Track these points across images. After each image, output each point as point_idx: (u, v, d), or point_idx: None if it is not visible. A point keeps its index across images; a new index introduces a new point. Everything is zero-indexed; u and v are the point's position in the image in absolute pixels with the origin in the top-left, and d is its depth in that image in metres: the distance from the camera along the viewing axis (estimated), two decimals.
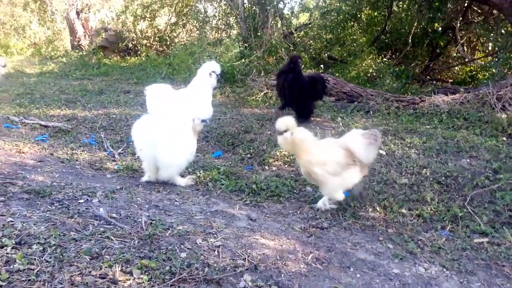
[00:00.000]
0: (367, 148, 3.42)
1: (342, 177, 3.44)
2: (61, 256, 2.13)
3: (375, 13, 11.35)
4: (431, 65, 10.97)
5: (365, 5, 11.01)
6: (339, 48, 11.80)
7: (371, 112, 6.72)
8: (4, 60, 7.81)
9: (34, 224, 2.46)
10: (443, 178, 4.11)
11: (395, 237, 3.19)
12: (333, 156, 3.44)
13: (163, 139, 3.70)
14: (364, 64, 10.23)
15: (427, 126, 5.82)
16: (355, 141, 3.45)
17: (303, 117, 6.04)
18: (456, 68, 11.33)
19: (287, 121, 3.51)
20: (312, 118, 6.33)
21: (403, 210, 3.61)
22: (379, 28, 11.28)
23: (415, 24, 10.23)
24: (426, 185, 4.01)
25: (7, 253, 2.10)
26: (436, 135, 5.28)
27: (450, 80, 10.92)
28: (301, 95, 6.04)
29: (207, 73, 5.22)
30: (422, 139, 5.15)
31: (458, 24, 9.93)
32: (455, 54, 11.49)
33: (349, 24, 11.33)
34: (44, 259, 2.09)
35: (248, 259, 2.56)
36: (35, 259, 2.07)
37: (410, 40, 10.48)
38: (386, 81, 8.99)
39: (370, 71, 10.09)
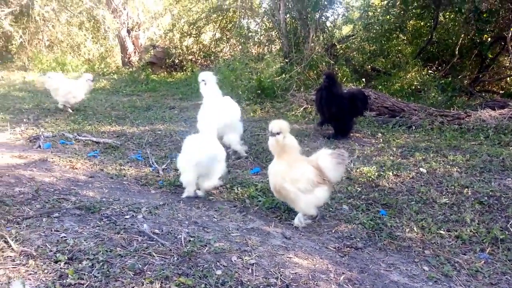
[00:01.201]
0: (336, 168, 3.51)
1: (313, 194, 3.49)
2: (108, 272, 2.33)
3: (421, 23, 11.15)
4: (480, 76, 10.57)
5: (410, 16, 10.84)
6: (383, 60, 11.68)
7: (413, 127, 6.62)
8: (92, 75, 8.46)
9: (85, 240, 2.70)
10: (486, 198, 4.01)
11: (431, 259, 3.16)
12: (305, 173, 3.48)
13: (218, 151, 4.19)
14: (408, 76, 10.06)
15: (472, 143, 5.66)
16: (325, 160, 3.53)
17: (341, 134, 6.07)
18: (508, 79, 10.84)
19: (281, 124, 3.53)
20: (351, 134, 6.34)
21: (442, 231, 3.56)
22: (425, 39, 11.05)
23: (462, 35, 9.94)
24: (467, 205, 3.92)
25: (60, 268, 2.34)
26: (480, 152, 5.13)
27: (500, 92, 10.47)
28: (338, 112, 6.07)
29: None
30: (465, 157, 5.03)
31: (510, 34, 9.53)
32: (507, 64, 11.03)
33: (393, 34, 11.19)
34: (93, 274, 2.30)
35: (280, 278, 2.65)
36: (85, 274, 2.29)
37: (457, 51, 10.18)
38: (431, 94, 8.78)
39: (415, 83, 9.89)
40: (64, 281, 2.22)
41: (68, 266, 2.37)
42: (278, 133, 3.49)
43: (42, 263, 2.40)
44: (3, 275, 2.26)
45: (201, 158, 4.01)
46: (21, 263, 2.40)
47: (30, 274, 2.30)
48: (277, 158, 3.61)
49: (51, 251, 2.55)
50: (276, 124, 3.52)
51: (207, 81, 5.41)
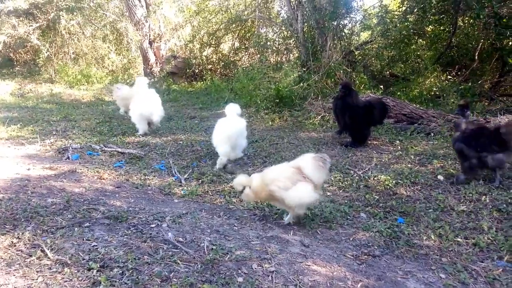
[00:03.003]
0: (317, 169, 3.71)
1: (295, 189, 3.64)
2: (137, 279, 2.51)
3: (440, 28, 11.06)
4: (501, 80, 10.42)
5: (429, 22, 10.78)
6: (402, 65, 11.64)
7: (432, 134, 6.62)
8: (146, 79, 8.81)
9: (114, 249, 2.88)
10: (504, 205, 4.02)
11: (448, 267, 3.21)
12: (283, 173, 3.74)
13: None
14: (427, 82, 10.01)
15: None
16: (305, 161, 3.78)
17: (357, 142, 6.16)
18: None
19: (241, 181, 3.81)
20: (369, 142, 6.40)
21: (459, 239, 3.60)
22: (444, 44, 10.97)
23: (482, 40, 9.84)
24: (485, 212, 3.95)
25: (93, 275, 2.52)
26: None
27: None
28: (352, 122, 6.17)
29: None
30: None
31: None
32: None
33: (412, 40, 11.14)
34: (123, 281, 2.47)
35: (299, 285, 2.76)
36: (116, 281, 2.47)
37: (477, 56, 10.09)
38: (450, 100, 8.73)
39: (434, 89, 9.83)
40: (97, 287, 2.40)
41: (100, 274, 2.55)
42: (243, 189, 3.80)
43: (76, 271, 2.58)
44: (42, 282, 2.45)
45: (232, 133, 5.48)
46: (57, 271, 2.59)
47: (66, 281, 2.49)
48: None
49: (84, 259, 2.74)
50: (238, 183, 3.83)
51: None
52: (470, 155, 4.54)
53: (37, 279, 2.50)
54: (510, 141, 4.37)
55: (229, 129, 5.53)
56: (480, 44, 10.10)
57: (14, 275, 2.53)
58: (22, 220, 3.39)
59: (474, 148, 4.51)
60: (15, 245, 2.93)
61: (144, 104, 7.51)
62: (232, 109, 5.79)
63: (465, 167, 4.63)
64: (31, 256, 2.77)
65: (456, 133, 4.76)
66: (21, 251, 2.85)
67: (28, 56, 17.71)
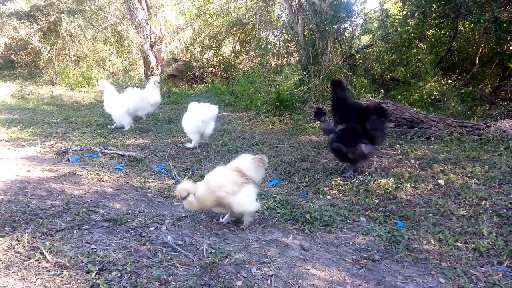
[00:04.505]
0: (256, 169, 3.81)
1: (242, 193, 3.68)
2: (136, 282, 2.50)
3: (441, 32, 11.07)
4: (502, 85, 10.43)
5: (430, 26, 10.79)
6: (403, 69, 11.65)
7: (432, 138, 6.61)
8: (158, 77, 9.70)
9: (113, 251, 2.88)
10: (504, 210, 4.01)
11: (448, 271, 3.20)
12: (228, 178, 3.73)
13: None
14: (428, 86, 10.01)
15: (491, 154, 5.63)
16: (246, 163, 3.84)
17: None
18: None
19: (186, 187, 3.70)
20: None
21: (459, 244, 3.59)
22: (444, 48, 10.98)
23: (483, 45, 9.85)
24: (485, 217, 3.93)
25: (92, 278, 2.51)
26: (500, 164, 5.11)
27: None
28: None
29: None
30: (484, 168, 5.02)
31: None
32: None
33: (413, 44, 11.15)
34: (122, 284, 2.47)
35: None
36: (114, 284, 2.46)
37: (477, 60, 10.10)
38: (451, 104, 8.73)
39: (434, 93, 9.83)
40: None
41: (99, 277, 2.54)
42: (187, 196, 3.67)
43: (75, 274, 2.58)
44: (40, 285, 2.45)
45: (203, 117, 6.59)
46: (56, 274, 2.59)
47: (65, 284, 2.48)
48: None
49: (83, 262, 2.74)
50: (182, 189, 3.69)
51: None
52: (345, 150, 5.15)
53: (35, 281, 2.50)
54: (377, 137, 5.12)
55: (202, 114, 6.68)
56: (481, 48, 10.12)
57: (12, 278, 2.53)
58: (22, 222, 3.39)
59: (348, 144, 5.11)
60: (14, 248, 2.92)
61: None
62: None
63: (349, 161, 5.29)
64: (30, 258, 2.77)
65: (330, 136, 5.33)
66: (20, 253, 2.85)
67: (29, 58, 17.74)
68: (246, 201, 3.71)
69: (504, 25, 8.28)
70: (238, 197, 3.66)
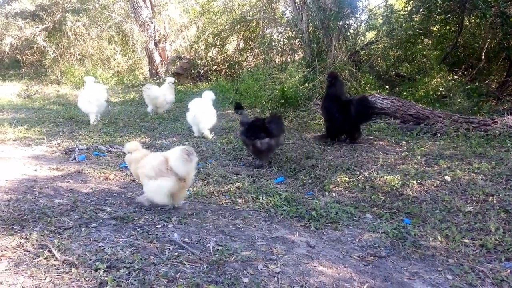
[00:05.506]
0: (181, 161, 3.81)
1: (157, 181, 3.80)
2: (144, 279, 2.52)
3: (446, 28, 11.01)
4: (509, 80, 10.35)
5: (435, 21, 10.73)
6: (408, 65, 11.60)
7: (438, 135, 6.58)
8: (173, 78, 10.12)
9: (121, 249, 2.90)
10: (511, 206, 3.98)
11: (455, 268, 3.18)
12: (151, 161, 3.91)
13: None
14: (433, 82, 9.96)
15: (498, 150, 5.60)
16: (172, 152, 3.95)
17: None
18: None
19: (133, 146, 4.09)
20: (375, 142, 6.38)
21: (466, 240, 3.57)
22: (450, 43, 10.91)
23: (489, 40, 9.78)
24: (492, 214, 3.91)
25: (100, 276, 2.54)
26: (507, 160, 5.09)
27: None
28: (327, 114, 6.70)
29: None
30: (491, 164, 4.99)
31: None
32: None
33: (418, 39, 11.10)
34: (130, 282, 2.49)
35: (305, 286, 2.76)
36: (122, 281, 2.48)
37: (483, 55, 10.03)
38: (457, 100, 8.68)
39: (440, 89, 9.78)
40: None
41: (107, 274, 2.56)
42: (129, 152, 4.07)
43: (83, 271, 2.60)
44: (49, 282, 2.47)
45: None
46: (64, 271, 2.61)
47: (73, 281, 2.50)
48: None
49: (91, 259, 2.76)
50: (129, 146, 4.10)
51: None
52: (247, 142, 5.72)
53: (44, 279, 2.52)
54: (273, 129, 5.56)
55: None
56: (487, 43, 10.06)
57: (22, 275, 2.56)
58: (30, 220, 3.42)
59: (249, 137, 5.63)
60: (23, 246, 2.95)
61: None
62: (208, 95, 7.66)
63: (253, 153, 5.80)
64: (38, 256, 2.79)
65: (241, 128, 5.89)
66: (29, 251, 2.88)
67: (35, 58, 17.87)
68: (156, 191, 3.84)
69: (511, 19, 8.21)
70: (151, 183, 3.82)
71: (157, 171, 3.82)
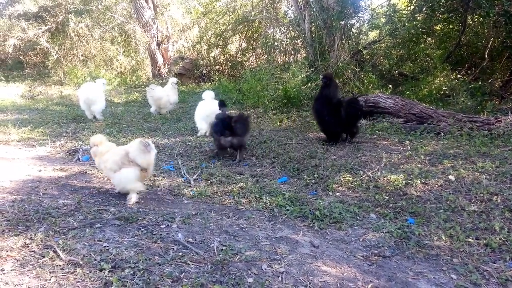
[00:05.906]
0: (139, 153, 4.08)
1: (120, 173, 4.09)
2: (148, 279, 2.53)
3: (449, 27, 10.97)
4: None
5: (438, 20, 10.69)
6: (411, 64, 11.56)
7: (442, 134, 6.56)
8: (176, 79, 10.31)
9: (125, 249, 2.91)
10: None
11: (460, 267, 3.18)
12: (112, 156, 4.17)
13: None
14: (436, 81, 9.92)
15: (502, 149, 5.57)
16: (130, 145, 4.22)
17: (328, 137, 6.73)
18: None
19: (98, 139, 4.36)
20: (378, 142, 6.37)
21: (470, 239, 3.57)
22: (453, 42, 10.86)
23: (492, 38, 9.74)
24: (497, 213, 3.90)
25: (105, 276, 2.55)
26: (511, 159, 5.06)
27: None
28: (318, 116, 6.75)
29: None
30: (495, 163, 4.97)
31: None
32: None
33: (421, 38, 11.05)
34: (135, 282, 2.50)
35: (309, 286, 2.76)
36: (127, 281, 2.49)
37: (487, 54, 9.98)
38: (460, 99, 8.64)
39: (443, 88, 9.74)
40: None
41: (112, 274, 2.57)
42: (95, 145, 4.33)
43: (88, 271, 2.61)
44: (55, 283, 2.48)
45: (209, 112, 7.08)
46: (69, 272, 2.62)
47: (78, 281, 2.51)
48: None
49: (96, 260, 2.77)
50: (94, 139, 4.37)
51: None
52: (215, 137, 6.13)
53: (50, 279, 2.53)
54: (237, 129, 5.86)
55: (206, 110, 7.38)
56: (490, 42, 10.00)
57: (27, 276, 2.57)
58: (35, 221, 3.44)
59: (217, 133, 6.03)
60: (28, 246, 2.97)
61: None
62: (208, 95, 7.82)
63: (216, 147, 6.21)
64: (44, 256, 2.81)
65: (213, 122, 6.28)
66: (34, 252, 2.89)
67: (38, 59, 17.93)
68: (125, 181, 4.10)
69: None
70: (117, 176, 4.10)
71: (120, 165, 4.07)
